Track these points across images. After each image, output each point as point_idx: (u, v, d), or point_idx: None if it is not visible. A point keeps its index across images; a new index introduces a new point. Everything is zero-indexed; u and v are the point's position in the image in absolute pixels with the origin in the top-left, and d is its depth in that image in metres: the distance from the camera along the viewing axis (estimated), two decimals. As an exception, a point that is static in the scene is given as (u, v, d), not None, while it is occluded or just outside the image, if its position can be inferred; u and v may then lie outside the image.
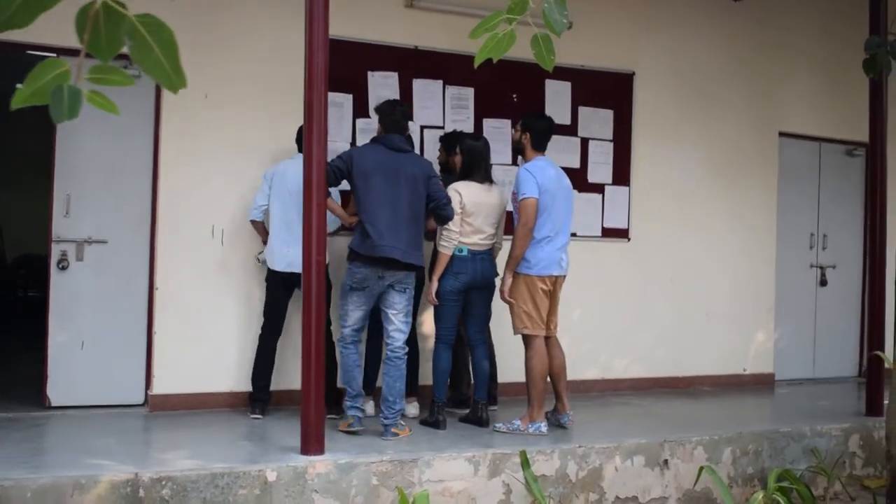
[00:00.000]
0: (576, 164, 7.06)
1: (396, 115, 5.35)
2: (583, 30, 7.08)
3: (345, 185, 5.39)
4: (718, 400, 7.17)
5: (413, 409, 5.94)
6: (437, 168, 6.02)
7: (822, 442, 5.98)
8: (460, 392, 6.20)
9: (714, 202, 7.78)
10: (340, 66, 6.03)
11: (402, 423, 5.35)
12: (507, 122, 6.83)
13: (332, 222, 5.63)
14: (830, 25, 8.28)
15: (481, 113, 6.79)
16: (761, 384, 7.92)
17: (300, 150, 5.39)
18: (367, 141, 5.65)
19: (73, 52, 1.41)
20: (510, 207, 5.87)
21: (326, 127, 4.69)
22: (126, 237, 5.91)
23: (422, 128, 6.55)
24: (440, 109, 6.66)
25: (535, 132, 5.62)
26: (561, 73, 6.99)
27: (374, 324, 5.55)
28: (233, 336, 6.04)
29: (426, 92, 6.61)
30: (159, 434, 5.38)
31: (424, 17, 6.56)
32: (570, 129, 7.09)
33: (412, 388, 5.94)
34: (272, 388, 5.87)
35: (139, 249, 5.93)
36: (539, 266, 5.47)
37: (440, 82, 6.66)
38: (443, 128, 6.60)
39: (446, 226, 5.50)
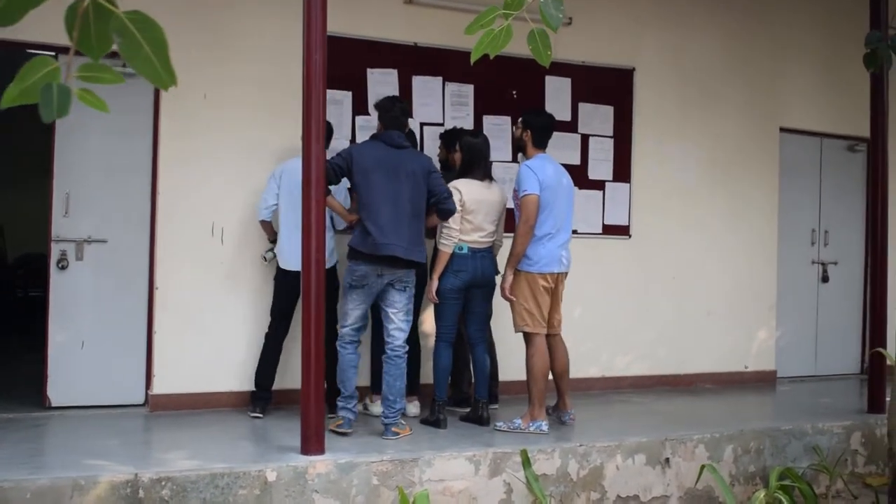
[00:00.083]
0: (576, 160, 7.04)
1: (396, 111, 5.32)
2: (583, 26, 7.07)
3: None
4: (720, 397, 7.15)
5: (414, 408, 5.92)
6: (437, 165, 5.99)
7: (823, 439, 5.96)
8: (461, 391, 6.19)
9: (715, 198, 7.76)
10: (340, 63, 6.01)
11: (403, 422, 5.33)
12: (507, 119, 6.81)
13: (341, 221, 5.62)
14: (831, 20, 8.26)
15: (481, 110, 6.77)
16: (763, 381, 7.90)
17: None
18: (367, 138, 5.63)
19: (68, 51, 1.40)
20: (511, 205, 5.85)
21: (325, 124, 4.67)
22: (126, 236, 5.89)
23: (421, 125, 6.53)
24: (440, 106, 6.64)
25: (536, 129, 5.59)
26: (561, 69, 6.98)
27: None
28: (233, 335, 6.03)
29: (426, 89, 6.59)
30: (159, 434, 5.36)
31: (424, 13, 6.54)
32: (571, 126, 7.06)
33: (413, 387, 5.92)
34: (274, 387, 5.85)
35: (139, 249, 5.92)
36: (540, 263, 5.45)
37: (440, 79, 6.64)
38: (442, 125, 6.58)
39: (446, 223, 5.48)
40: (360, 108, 6.32)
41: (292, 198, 5.58)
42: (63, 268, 5.74)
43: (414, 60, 6.56)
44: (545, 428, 5.42)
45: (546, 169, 5.49)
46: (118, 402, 5.85)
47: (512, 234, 5.68)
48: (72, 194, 5.75)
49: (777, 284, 8.06)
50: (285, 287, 5.72)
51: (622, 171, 7.33)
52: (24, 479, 4.01)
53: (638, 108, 7.41)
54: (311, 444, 4.62)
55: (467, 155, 5.70)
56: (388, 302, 5.22)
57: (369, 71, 6.41)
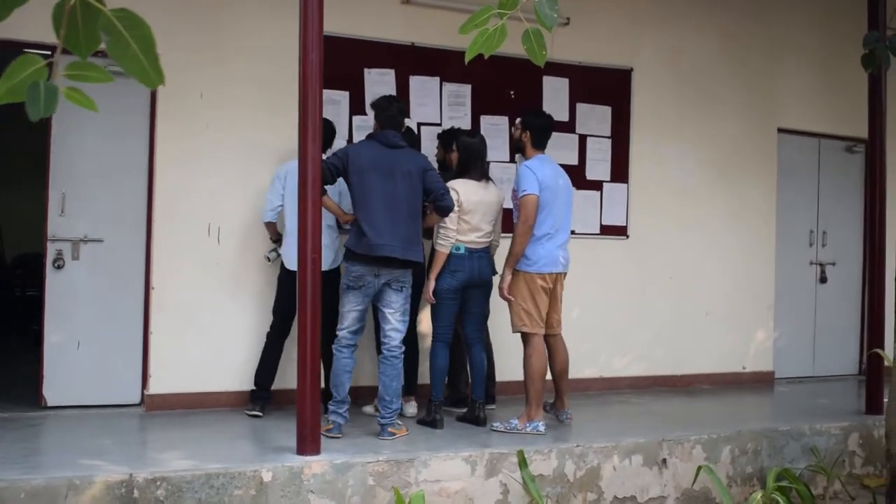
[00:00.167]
0: (574, 161, 7.03)
1: (392, 111, 5.31)
2: (580, 26, 7.06)
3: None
4: (717, 398, 7.14)
5: (411, 408, 5.91)
6: (434, 165, 5.98)
7: (821, 440, 5.95)
8: (458, 391, 6.18)
9: (713, 199, 7.75)
10: (337, 63, 6.01)
11: (400, 422, 5.31)
12: (505, 119, 6.81)
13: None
14: (829, 20, 8.25)
15: (479, 110, 6.76)
16: (761, 382, 7.89)
17: None
18: (363, 137, 5.62)
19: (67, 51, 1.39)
20: (508, 205, 5.84)
21: (322, 124, 4.66)
22: (122, 236, 5.88)
23: (419, 125, 6.52)
24: (437, 106, 6.63)
25: (536, 130, 5.60)
26: (559, 69, 6.98)
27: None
28: (229, 335, 6.02)
29: (423, 89, 6.59)
30: (155, 434, 5.35)
31: (421, 13, 6.53)
32: (568, 126, 7.05)
33: (410, 388, 5.92)
34: (272, 387, 5.85)
35: (135, 248, 5.90)
36: (539, 263, 5.44)
37: (437, 79, 6.63)
38: (440, 125, 6.57)
39: (443, 224, 5.46)
40: (357, 108, 6.31)
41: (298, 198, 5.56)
42: (59, 267, 5.73)
43: (411, 60, 6.55)
44: (542, 428, 5.41)
45: (545, 169, 5.49)
46: (114, 401, 5.83)
47: (509, 234, 5.68)
48: (68, 194, 5.74)
49: (775, 285, 8.06)
50: (289, 287, 5.69)
51: (620, 172, 7.33)
52: (18, 479, 3.99)
53: (636, 108, 7.40)
54: (307, 444, 4.61)
55: (464, 155, 5.69)
56: (385, 302, 5.21)
57: (367, 71, 6.40)
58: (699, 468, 5.27)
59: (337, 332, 5.22)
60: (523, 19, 2.23)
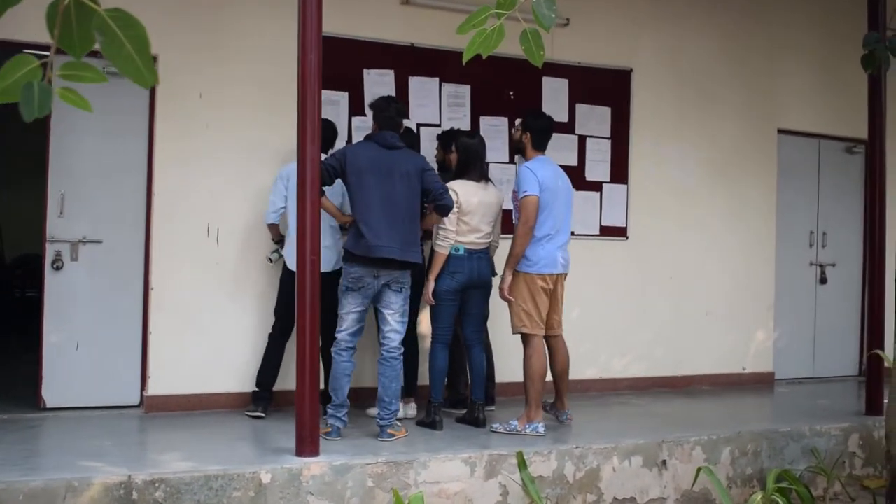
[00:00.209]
0: (573, 161, 7.02)
1: (390, 111, 5.30)
2: (580, 26, 7.05)
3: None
4: (717, 399, 7.13)
5: (411, 409, 5.90)
6: (434, 167, 5.98)
7: (821, 442, 5.94)
8: (457, 392, 6.17)
9: (713, 199, 7.74)
10: (336, 63, 6.00)
11: (399, 423, 5.31)
12: (505, 120, 6.80)
13: None
14: (829, 21, 8.24)
15: (478, 111, 6.75)
16: (761, 383, 7.88)
17: None
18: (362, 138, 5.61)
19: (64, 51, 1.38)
20: (507, 206, 5.84)
21: (320, 125, 4.65)
22: (121, 237, 5.87)
23: (418, 126, 6.51)
24: (436, 107, 6.62)
25: (536, 131, 5.60)
26: (558, 70, 6.97)
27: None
28: (229, 336, 6.01)
29: (422, 90, 6.58)
30: (154, 435, 5.34)
31: (420, 14, 6.52)
32: (568, 127, 7.04)
33: (410, 389, 5.91)
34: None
35: (134, 249, 5.90)
36: (540, 264, 5.44)
37: (436, 80, 6.62)
38: (439, 126, 6.56)
39: (442, 225, 5.46)
40: (356, 108, 6.30)
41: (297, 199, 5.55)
42: (58, 268, 5.72)
43: (411, 61, 6.54)
44: (542, 430, 5.40)
45: (545, 170, 5.50)
46: (113, 403, 5.82)
47: (509, 236, 5.67)
48: (67, 195, 5.73)
49: (775, 286, 8.05)
50: (292, 288, 5.68)
51: (619, 173, 7.32)
52: (16, 481, 3.98)
53: (635, 109, 7.39)
54: (306, 445, 4.60)
55: (463, 156, 5.69)
56: (385, 303, 5.20)
57: (366, 72, 6.40)
58: (699, 469, 5.26)
59: (336, 335, 5.21)
60: (521, 20, 2.23)
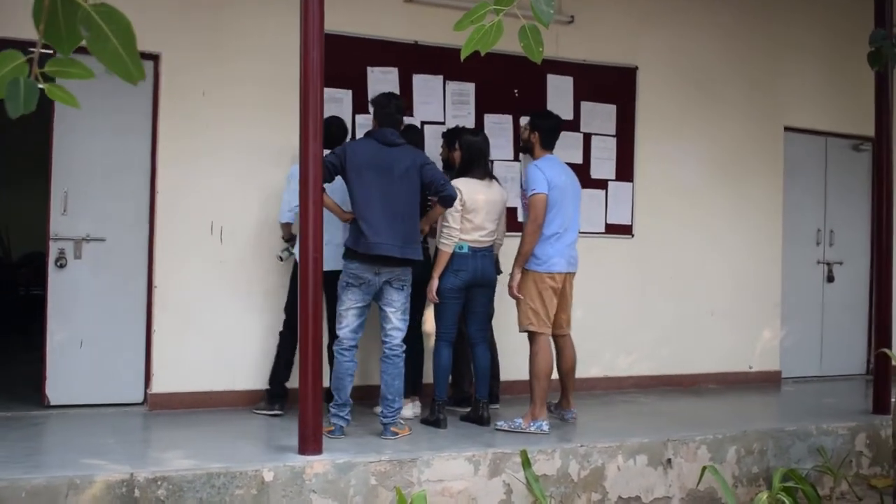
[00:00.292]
0: (578, 159, 6.99)
1: (390, 108, 5.28)
2: (584, 24, 7.03)
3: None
4: (723, 398, 7.10)
5: (415, 407, 5.89)
6: (440, 165, 5.96)
7: (828, 441, 5.91)
8: (462, 390, 6.15)
9: (719, 198, 7.71)
10: (339, 61, 6.00)
11: (402, 421, 5.30)
12: (509, 118, 6.78)
13: None
14: (835, 17, 8.19)
15: (482, 108, 6.73)
16: (767, 382, 7.85)
17: (325, 146, 5.32)
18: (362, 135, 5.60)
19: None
20: (512, 204, 5.83)
21: (322, 122, 4.64)
22: (124, 235, 5.87)
23: (422, 123, 6.49)
24: (441, 105, 6.61)
25: (544, 131, 5.60)
26: (563, 67, 6.95)
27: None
28: (232, 334, 6.01)
29: (426, 87, 6.56)
30: (157, 433, 5.34)
31: (424, 11, 6.50)
32: (573, 125, 7.01)
33: (415, 387, 5.89)
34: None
35: (138, 247, 5.90)
36: (548, 263, 5.44)
37: (440, 77, 6.60)
38: (443, 123, 6.55)
39: (446, 223, 5.44)
40: (360, 106, 6.29)
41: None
42: (61, 266, 5.72)
43: (414, 59, 6.53)
44: (546, 428, 5.38)
45: (554, 169, 5.51)
46: (117, 401, 5.83)
47: (513, 234, 5.66)
48: (70, 193, 5.73)
49: (782, 284, 8.01)
50: None
51: (625, 171, 7.29)
52: (19, 479, 3.98)
53: (640, 106, 7.36)
54: (309, 443, 4.59)
55: (466, 153, 5.67)
56: (386, 301, 5.18)
57: (369, 69, 6.38)
58: (704, 468, 5.24)
59: (337, 333, 5.19)
60: (520, 16, 2.21)
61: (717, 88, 7.70)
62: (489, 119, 6.74)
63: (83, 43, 1.34)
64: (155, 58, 5.85)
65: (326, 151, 4.94)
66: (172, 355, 5.85)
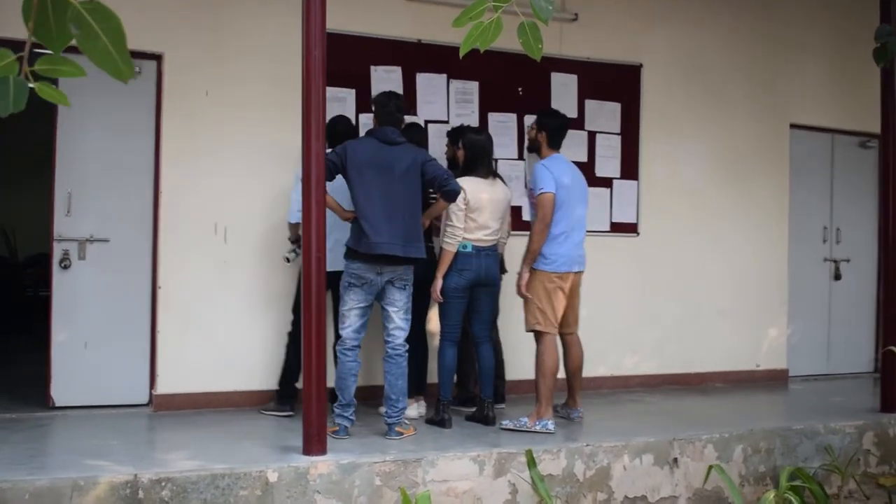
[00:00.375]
0: (583, 157, 6.97)
1: (390, 107, 5.26)
2: (589, 21, 7.01)
3: None
4: (730, 397, 7.07)
5: (420, 407, 5.87)
6: (445, 164, 5.95)
7: (835, 439, 5.87)
8: (467, 390, 6.14)
9: (725, 196, 7.67)
10: (343, 60, 5.99)
11: (407, 421, 5.28)
12: (513, 116, 6.77)
13: None
14: (840, 13, 8.15)
15: (486, 107, 6.72)
16: (775, 380, 7.82)
17: (330, 146, 5.31)
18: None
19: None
20: (516, 202, 5.81)
21: (325, 121, 4.63)
22: (128, 236, 5.87)
23: (426, 122, 6.48)
24: (444, 104, 6.59)
25: (552, 130, 5.60)
26: (567, 65, 6.93)
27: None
28: (237, 335, 6.00)
29: (430, 86, 6.55)
30: (161, 434, 5.34)
31: (427, 10, 6.48)
32: (577, 123, 6.98)
33: (420, 387, 5.88)
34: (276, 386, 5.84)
35: (141, 248, 5.89)
36: (557, 263, 5.44)
37: (444, 76, 6.59)
38: (447, 122, 6.53)
39: (450, 222, 5.42)
40: (363, 105, 6.26)
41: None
42: (65, 267, 5.72)
43: (418, 58, 6.51)
44: (551, 427, 5.36)
45: (561, 168, 5.51)
46: (122, 401, 5.82)
47: (518, 233, 5.64)
48: (74, 193, 5.73)
49: (788, 282, 7.98)
50: None
51: (630, 169, 7.26)
52: (22, 480, 3.98)
53: (645, 105, 7.33)
54: (313, 444, 4.58)
55: (470, 152, 5.65)
56: (388, 301, 5.16)
57: (373, 68, 6.37)
58: (710, 467, 5.21)
59: (340, 333, 5.18)
60: (519, 13, 2.19)
61: (722, 86, 7.67)
62: (493, 118, 6.72)
63: (74, 42, 1.33)
64: (158, 58, 5.84)
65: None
66: (177, 356, 5.84)
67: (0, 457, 4.45)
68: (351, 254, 5.10)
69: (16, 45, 1.34)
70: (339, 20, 5.54)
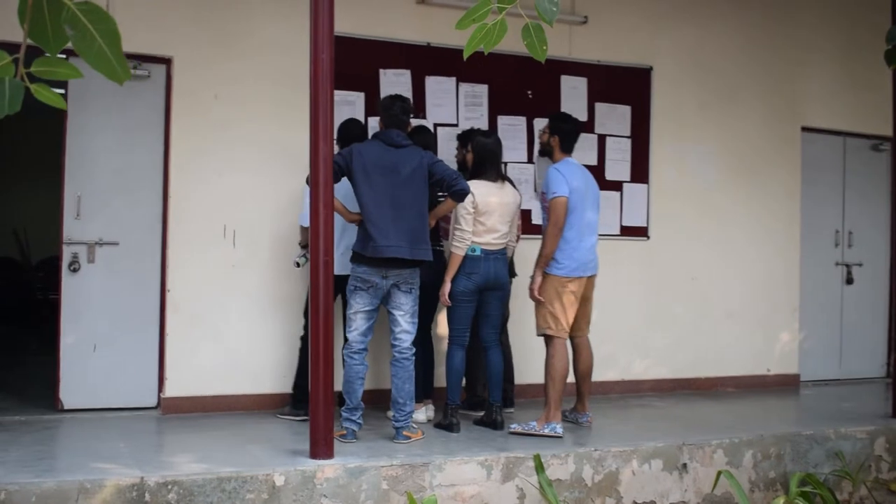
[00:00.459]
0: (593, 161, 6.95)
1: (395, 110, 5.25)
2: (598, 24, 6.99)
3: None
4: (741, 401, 7.03)
5: (428, 411, 5.85)
6: (454, 167, 5.93)
7: (846, 445, 5.82)
8: (475, 394, 6.12)
9: (736, 199, 7.63)
10: (352, 64, 5.99)
11: (415, 426, 5.26)
12: (523, 119, 6.75)
13: None
14: (851, 16, 8.10)
15: (496, 110, 6.69)
16: (786, 385, 7.76)
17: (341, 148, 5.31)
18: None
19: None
20: (526, 206, 5.79)
21: (333, 124, 4.62)
22: (137, 239, 5.88)
23: (435, 126, 6.46)
24: (454, 107, 6.57)
25: (564, 134, 5.60)
26: (577, 68, 6.91)
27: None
28: (246, 338, 6.00)
29: (439, 89, 6.53)
30: (169, 437, 5.34)
31: (436, 13, 6.47)
32: (587, 126, 6.95)
33: (428, 392, 5.86)
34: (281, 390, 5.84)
35: (151, 251, 5.90)
36: (569, 267, 5.44)
37: (453, 79, 6.57)
38: (456, 125, 6.52)
39: (458, 226, 5.41)
40: (372, 109, 6.25)
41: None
42: (75, 270, 5.73)
43: (427, 61, 6.50)
44: (559, 430, 5.34)
45: (574, 172, 5.51)
46: (130, 404, 5.83)
47: (527, 237, 5.62)
48: (83, 197, 5.74)
49: (800, 286, 7.92)
50: None
51: (640, 172, 7.23)
52: (29, 483, 3.98)
53: (655, 108, 7.30)
54: (320, 447, 4.56)
55: (478, 155, 5.63)
56: (395, 304, 5.15)
57: (382, 72, 6.36)
58: (720, 473, 5.18)
59: (347, 336, 5.17)
60: (524, 15, 2.17)
61: (733, 89, 7.63)
62: (503, 121, 6.70)
63: (70, 44, 1.33)
64: (167, 61, 5.85)
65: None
66: (185, 359, 5.85)
67: (9, 459, 4.46)
68: (357, 257, 5.09)
69: (12, 48, 1.34)
70: (349, 24, 5.55)
